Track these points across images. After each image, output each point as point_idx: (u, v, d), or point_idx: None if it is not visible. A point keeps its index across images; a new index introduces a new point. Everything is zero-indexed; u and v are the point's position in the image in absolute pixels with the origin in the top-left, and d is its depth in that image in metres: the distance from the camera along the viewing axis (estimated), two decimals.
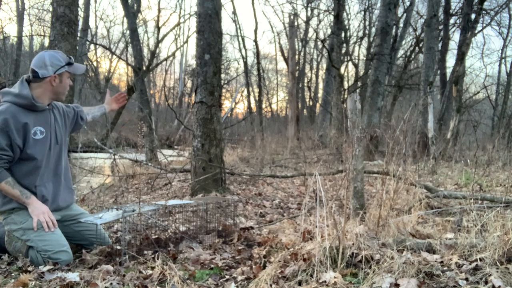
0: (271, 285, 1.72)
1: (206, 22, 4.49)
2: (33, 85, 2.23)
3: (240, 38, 17.50)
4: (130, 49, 16.60)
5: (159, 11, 25.10)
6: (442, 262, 1.78)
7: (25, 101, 2.16)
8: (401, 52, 19.41)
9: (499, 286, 1.49)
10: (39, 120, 2.23)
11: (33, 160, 2.20)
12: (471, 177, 5.54)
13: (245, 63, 17.26)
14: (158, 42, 18.68)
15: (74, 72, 2.33)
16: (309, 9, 21.20)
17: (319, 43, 22.53)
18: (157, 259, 2.05)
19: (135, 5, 11.59)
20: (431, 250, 1.97)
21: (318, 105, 23.36)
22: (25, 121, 2.15)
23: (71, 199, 2.47)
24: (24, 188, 2.18)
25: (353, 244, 1.91)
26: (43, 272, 1.95)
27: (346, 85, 13.31)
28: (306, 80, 26.17)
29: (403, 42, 18.77)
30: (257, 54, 16.07)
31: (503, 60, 20.41)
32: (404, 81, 18.22)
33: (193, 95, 4.72)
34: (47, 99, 2.27)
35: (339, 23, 10.60)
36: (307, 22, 21.60)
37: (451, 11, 14.96)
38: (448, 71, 14.31)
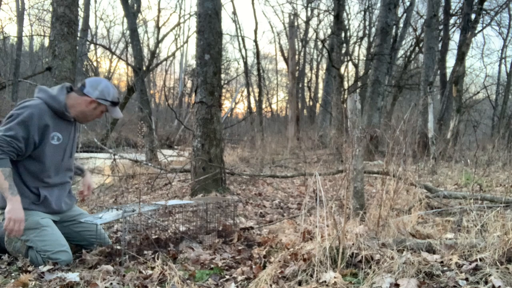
0: (271, 285, 1.72)
1: (206, 22, 4.49)
2: (71, 95, 2.29)
3: (240, 38, 17.52)
4: (130, 49, 16.59)
5: (159, 11, 25.13)
6: (442, 262, 1.78)
7: (57, 105, 2.21)
8: (401, 52, 19.44)
9: (499, 286, 1.49)
10: (60, 127, 2.26)
11: (42, 162, 2.21)
12: (471, 177, 5.54)
13: (245, 63, 17.26)
14: (158, 42, 18.70)
15: (111, 113, 2.38)
16: (309, 9, 21.21)
17: (319, 43, 22.54)
18: (157, 259, 2.05)
19: (135, 5, 11.58)
20: (431, 250, 1.97)
21: (318, 105, 23.37)
22: (47, 123, 2.18)
23: (71, 205, 2.47)
24: (27, 186, 2.18)
25: (353, 244, 1.91)
26: (43, 272, 1.95)
27: (346, 85, 13.30)
28: (306, 80, 26.18)
29: (403, 42, 18.80)
30: (257, 54, 16.08)
31: (503, 60, 20.45)
32: (404, 81, 18.22)
33: (193, 95, 4.72)
34: (73, 112, 2.30)
35: (339, 23, 10.59)
36: (307, 22, 21.60)
37: (451, 11, 14.95)
38: (448, 71, 14.32)
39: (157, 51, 21.20)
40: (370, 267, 1.74)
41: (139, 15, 15.73)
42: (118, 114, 2.42)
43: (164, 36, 21.43)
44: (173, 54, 25.43)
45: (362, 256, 1.82)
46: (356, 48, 23.32)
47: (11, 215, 2.06)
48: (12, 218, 2.06)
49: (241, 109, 32.11)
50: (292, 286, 1.71)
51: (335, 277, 1.67)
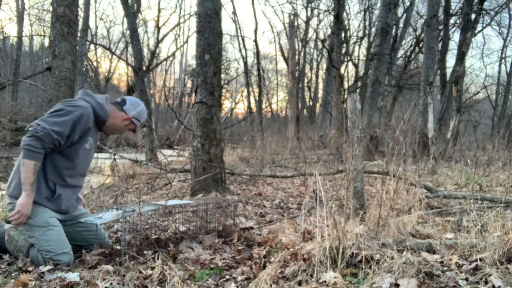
0: (271, 285, 1.72)
1: (206, 22, 4.49)
2: (111, 107, 2.41)
3: (240, 38, 17.54)
4: (130, 49, 16.59)
5: (159, 11, 25.12)
6: (442, 262, 1.78)
7: (103, 114, 2.33)
8: (401, 52, 19.44)
9: (499, 286, 1.49)
10: (93, 133, 2.36)
11: (71, 161, 2.26)
12: (471, 177, 5.54)
13: (245, 63, 17.27)
14: (158, 42, 18.67)
15: (136, 132, 2.57)
16: (309, 9, 21.22)
17: (319, 43, 22.55)
18: (157, 259, 2.05)
19: (135, 5, 11.57)
20: (431, 250, 1.97)
21: (318, 105, 23.38)
22: (90, 126, 2.28)
23: (77, 207, 2.49)
24: (45, 180, 2.20)
25: (353, 244, 1.91)
26: (43, 272, 1.95)
27: (346, 85, 13.31)
28: (306, 80, 26.19)
29: (403, 42, 18.80)
30: (257, 54, 16.07)
31: (503, 60, 20.47)
32: (404, 81, 18.23)
33: (193, 95, 4.72)
34: (106, 123, 2.40)
35: (339, 23, 10.59)
36: (307, 22, 21.61)
37: (451, 11, 14.95)
38: (448, 71, 14.32)
39: (157, 51, 21.21)
40: (370, 267, 1.74)
41: (139, 15, 15.72)
42: (140, 135, 2.58)
43: (164, 36, 21.42)
44: (173, 54, 25.44)
45: (362, 256, 1.82)
46: (356, 48, 23.35)
47: (21, 209, 2.10)
48: (21, 211, 2.10)
49: (241, 109, 32.17)
50: (292, 286, 1.71)
51: (335, 277, 1.67)
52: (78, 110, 2.19)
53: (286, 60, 20.32)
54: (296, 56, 20.57)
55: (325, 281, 1.67)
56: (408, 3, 16.85)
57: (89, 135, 2.30)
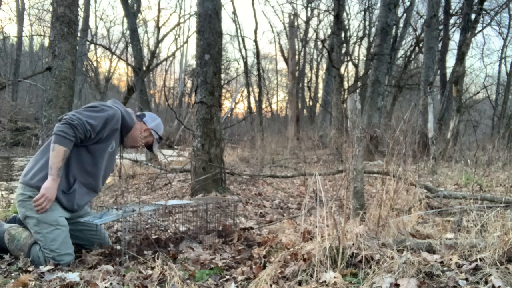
0: (271, 285, 1.72)
1: (206, 22, 4.49)
2: None
3: (240, 38, 17.55)
4: (130, 49, 16.58)
5: (159, 11, 25.12)
6: (442, 262, 1.78)
7: (130, 121, 2.46)
8: (401, 52, 19.44)
9: (499, 286, 1.49)
10: (117, 139, 2.44)
11: (94, 158, 2.31)
12: (471, 177, 5.54)
13: (245, 63, 17.27)
14: (158, 42, 18.70)
15: (153, 146, 2.67)
16: (309, 9, 21.23)
17: (319, 43, 22.55)
18: (157, 259, 2.05)
19: (135, 5, 11.58)
20: (431, 250, 1.97)
21: (318, 105, 23.39)
22: (117, 128, 2.39)
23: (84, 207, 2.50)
24: (67, 172, 2.23)
25: (353, 244, 1.91)
26: (43, 272, 1.95)
27: (346, 85, 13.31)
28: (306, 80, 26.21)
29: (403, 42, 18.80)
30: (257, 54, 16.07)
31: (503, 60, 20.46)
32: (404, 81, 18.23)
33: (193, 95, 4.72)
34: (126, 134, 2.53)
35: (339, 23, 10.60)
36: (307, 22, 21.62)
37: (451, 11, 14.95)
38: (448, 71, 14.31)
39: (157, 51, 21.22)
40: (370, 267, 1.74)
41: (139, 15, 15.71)
42: (156, 150, 2.70)
43: (164, 36, 21.43)
44: (173, 54, 25.46)
45: (362, 256, 1.82)
46: (356, 48, 23.36)
47: (46, 192, 2.13)
48: (46, 195, 2.13)
49: (241, 109, 32.20)
50: (292, 286, 1.71)
51: (335, 277, 1.67)
52: (111, 110, 2.32)
53: (286, 60, 20.33)
54: (296, 56, 20.57)
55: (325, 281, 1.67)
56: (408, 3, 16.86)
57: (113, 138, 2.38)
